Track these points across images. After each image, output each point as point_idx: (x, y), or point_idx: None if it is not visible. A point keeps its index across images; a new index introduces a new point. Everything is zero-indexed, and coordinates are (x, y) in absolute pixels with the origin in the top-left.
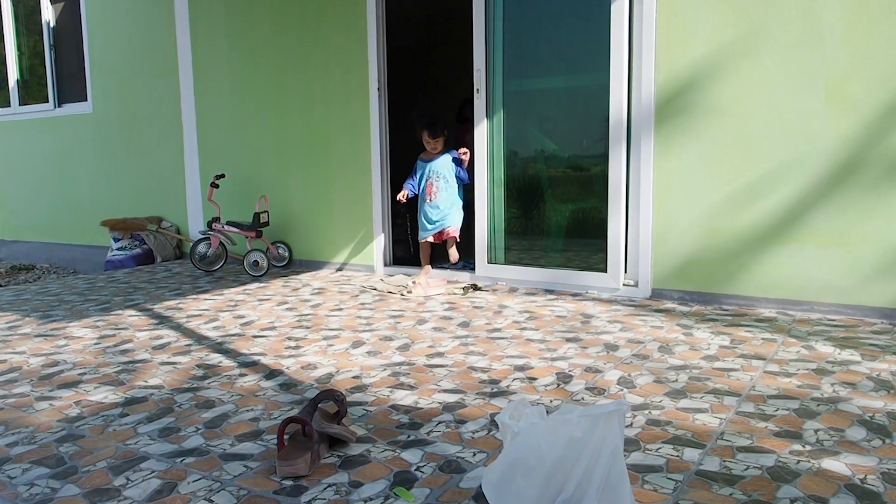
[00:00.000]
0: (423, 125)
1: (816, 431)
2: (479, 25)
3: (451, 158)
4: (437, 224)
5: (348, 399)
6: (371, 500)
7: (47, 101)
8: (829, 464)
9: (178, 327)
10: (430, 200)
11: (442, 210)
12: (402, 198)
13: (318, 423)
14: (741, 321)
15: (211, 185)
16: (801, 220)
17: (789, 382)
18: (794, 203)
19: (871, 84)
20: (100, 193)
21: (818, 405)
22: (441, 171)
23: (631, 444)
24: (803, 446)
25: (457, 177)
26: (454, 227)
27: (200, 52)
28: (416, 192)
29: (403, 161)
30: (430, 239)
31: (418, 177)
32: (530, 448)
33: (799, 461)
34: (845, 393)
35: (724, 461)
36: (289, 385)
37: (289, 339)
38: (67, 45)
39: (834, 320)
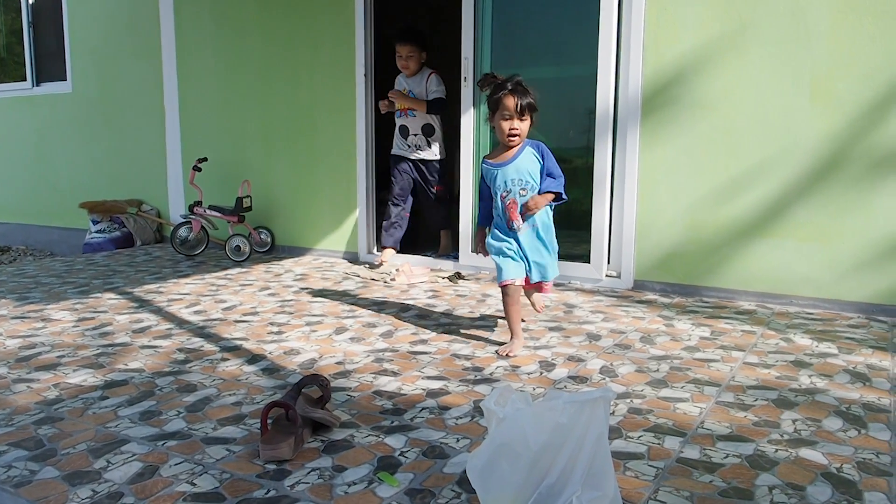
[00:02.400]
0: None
1: (794, 421)
2: (468, 14)
3: (534, 155)
4: (535, 267)
5: (332, 384)
6: (355, 484)
7: (25, 80)
8: (807, 453)
9: (158, 311)
10: (514, 226)
11: (539, 244)
12: (481, 251)
13: (302, 408)
14: (721, 313)
15: (193, 169)
16: (783, 214)
17: (768, 373)
18: (777, 198)
19: (854, 82)
20: (78, 175)
21: (796, 396)
22: (523, 176)
23: (613, 432)
24: (781, 436)
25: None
26: (554, 276)
27: (184, 33)
28: (487, 220)
29: (389, 147)
30: (519, 282)
31: (491, 191)
32: (515, 434)
33: (777, 450)
34: (822, 384)
35: (705, 449)
36: (271, 370)
37: (271, 324)
38: (46, 23)
39: (812, 314)
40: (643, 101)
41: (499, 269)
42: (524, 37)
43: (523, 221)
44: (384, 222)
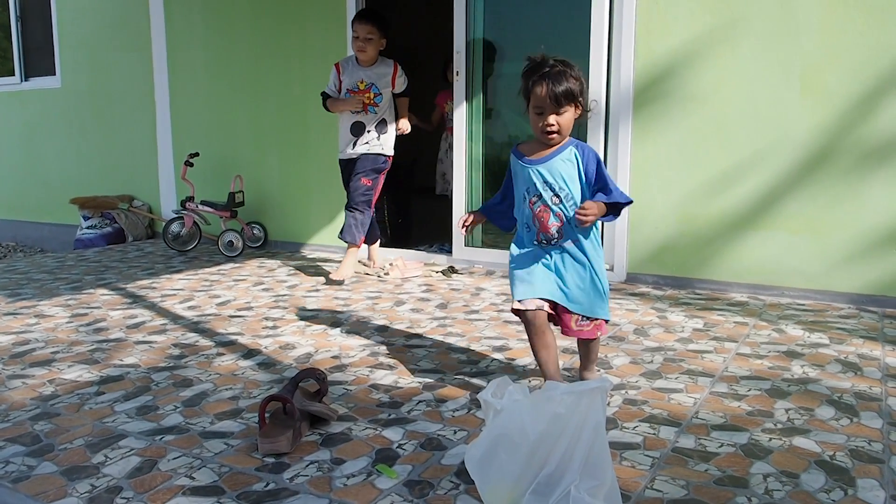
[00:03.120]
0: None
1: (787, 411)
2: (461, 8)
3: (575, 157)
4: (572, 292)
5: (328, 378)
6: (354, 476)
7: (13, 75)
8: (800, 441)
9: (152, 307)
10: (546, 240)
11: (579, 267)
12: (466, 224)
13: (300, 402)
14: (714, 305)
15: (185, 164)
16: (774, 207)
17: (761, 364)
18: (768, 190)
19: (844, 75)
20: (69, 170)
21: (789, 386)
22: (557, 181)
23: (609, 423)
24: (775, 425)
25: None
26: (603, 315)
27: (174, 27)
28: (506, 221)
29: None
30: (536, 306)
31: (515, 191)
32: (513, 424)
33: (771, 439)
34: (814, 374)
35: (700, 439)
36: (267, 364)
37: (266, 319)
38: (34, 17)
39: (803, 305)
40: (635, 94)
41: (511, 286)
42: (516, 31)
43: (560, 238)
44: (353, 221)
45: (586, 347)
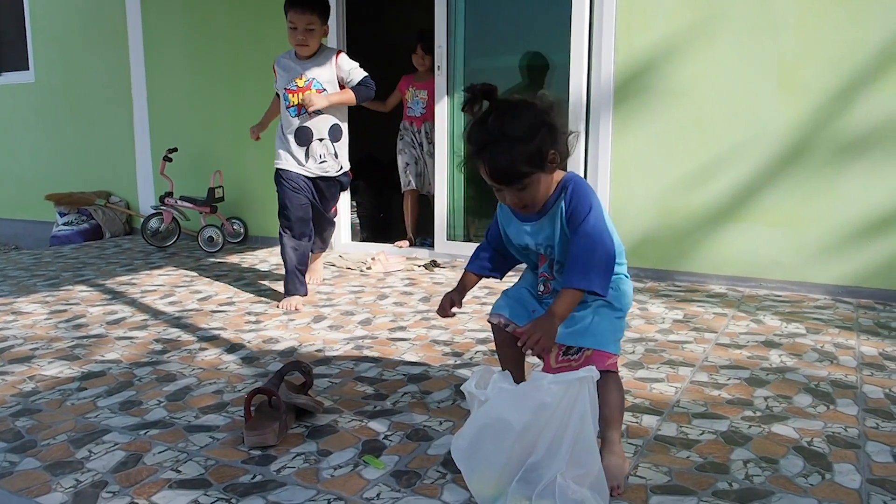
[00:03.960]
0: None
1: (766, 399)
2: (441, 3)
3: (561, 212)
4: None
5: (313, 371)
6: (340, 467)
7: None
8: (779, 428)
9: (132, 302)
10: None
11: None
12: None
13: (285, 394)
14: (694, 297)
15: (163, 159)
16: (752, 200)
17: (740, 354)
18: (746, 184)
19: (820, 70)
20: (43, 167)
21: (767, 374)
22: (550, 242)
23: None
24: (754, 412)
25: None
26: (599, 344)
27: (151, 21)
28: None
29: (361, 137)
30: (502, 322)
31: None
32: (499, 414)
33: (750, 426)
34: (792, 363)
35: (681, 427)
36: (251, 359)
37: (248, 313)
38: (5, 10)
39: (780, 296)
40: (615, 88)
41: None
42: (497, 25)
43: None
44: (292, 266)
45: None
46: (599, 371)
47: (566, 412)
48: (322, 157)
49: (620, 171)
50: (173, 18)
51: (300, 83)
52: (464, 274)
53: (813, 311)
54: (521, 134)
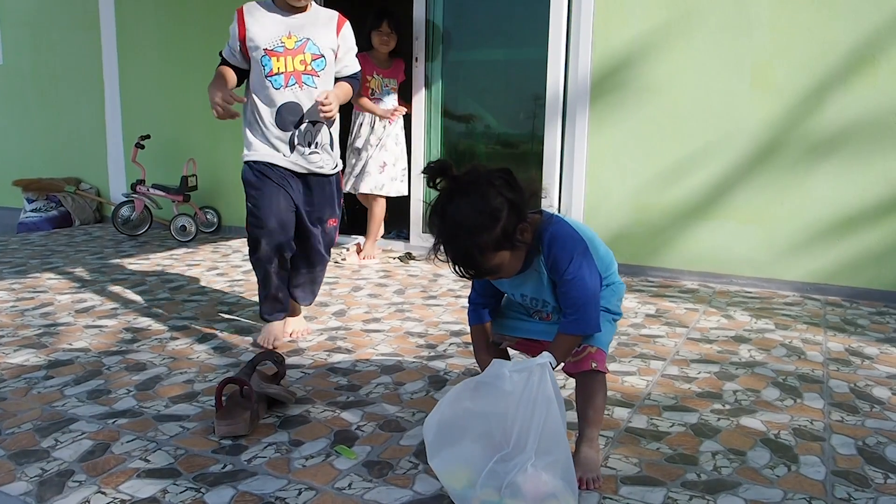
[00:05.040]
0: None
1: (735, 392)
2: None
3: (542, 268)
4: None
5: (286, 362)
6: (312, 457)
7: None
8: (747, 421)
9: (102, 291)
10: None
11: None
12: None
13: (257, 384)
14: (666, 292)
15: (135, 146)
16: (724, 197)
17: (710, 348)
18: (718, 181)
19: (793, 69)
20: (11, 152)
21: (736, 369)
22: (540, 295)
23: (568, 405)
24: (723, 405)
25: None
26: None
27: (124, 4)
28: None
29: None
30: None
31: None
32: (461, 410)
33: (719, 419)
34: (761, 358)
35: (652, 419)
36: (223, 349)
37: (221, 304)
38: None
39: (751, 292)
40: (592, 85)
41: None
42: (476, 18)
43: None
44: (263, 290)
45: (582, 395)
46: (595, 371)
47: (531, 399)
48: (313, 146)
49: (596, 167)
50: (146, 2)
51: (289, 44)
52: (474, 332)
53: (782, 308)
54: (483, 222)
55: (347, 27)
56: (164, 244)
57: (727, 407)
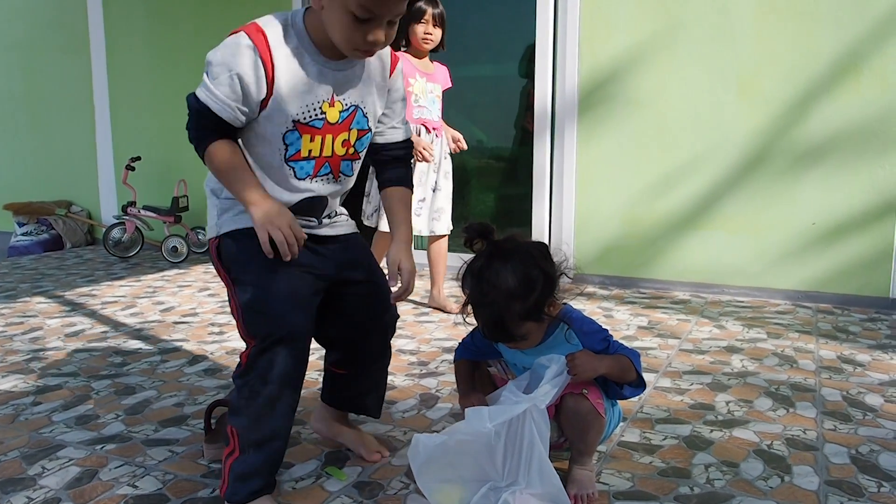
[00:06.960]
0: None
1: (727, 403)
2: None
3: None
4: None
5: None
6: (302, 479)
7: None
8: (740, 432)
9: (92, 314)
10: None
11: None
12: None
13: None
14: (658, 303)
15: (126, 168)
16: (714, 208)
17: (702, 359)
18: (707, 192)
19: (778, 80)
20: (1, 175)
21: (729, 379)
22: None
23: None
24: (716, 417)
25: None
26: None
27: (114, 26)
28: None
29: None
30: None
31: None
32: (447, 461)
33: (712, 430)
34: (753, 367)
35: (644, 433)
36: (213, 370)
37: (212, 324)
38: None
39: (742, 302)
40: (580, 98)
41: None
42: (463, 35)
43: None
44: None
45: (571, 426)
46: (588, 404)
47: (515, 446)
48: (337, 214)
49: (585, 180)
50: (136, 25)
51: (331, 115)
52: (459, 366)
53: (774, 316)
54: (518, 291)
55: (401, 66)
56: (155, 265)
57: (720, 418)
